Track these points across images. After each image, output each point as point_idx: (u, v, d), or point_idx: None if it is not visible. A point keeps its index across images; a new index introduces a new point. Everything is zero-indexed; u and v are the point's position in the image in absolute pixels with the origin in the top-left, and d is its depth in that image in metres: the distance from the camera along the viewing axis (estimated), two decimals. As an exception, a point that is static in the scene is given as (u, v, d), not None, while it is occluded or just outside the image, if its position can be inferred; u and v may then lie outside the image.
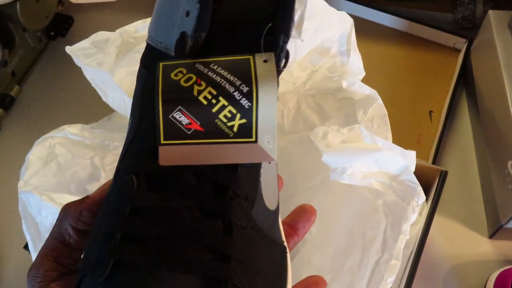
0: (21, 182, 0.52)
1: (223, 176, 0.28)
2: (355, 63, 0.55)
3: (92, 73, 0.53)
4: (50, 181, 0.53)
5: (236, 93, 0.27)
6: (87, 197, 0.33)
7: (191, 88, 0.27)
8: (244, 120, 0.27)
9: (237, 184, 0.28)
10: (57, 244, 0.33)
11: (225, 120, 0.27)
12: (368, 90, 0.57)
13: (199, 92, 0.27)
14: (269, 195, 0.31)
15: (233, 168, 0.29)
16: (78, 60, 0.52)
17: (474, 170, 0.71)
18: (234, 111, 0.27)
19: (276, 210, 0.33)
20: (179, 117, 0.27)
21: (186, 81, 0.28)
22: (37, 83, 0.81)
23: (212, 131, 0.27)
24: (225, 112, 0.27)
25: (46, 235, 0.51)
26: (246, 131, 0.27)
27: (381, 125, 0.56)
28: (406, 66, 0.81)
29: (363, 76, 0.56)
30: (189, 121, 0.27)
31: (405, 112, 0.77)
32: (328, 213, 0.56)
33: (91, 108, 0.67)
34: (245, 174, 0.29)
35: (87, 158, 0.56)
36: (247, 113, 0.27)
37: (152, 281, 0.26)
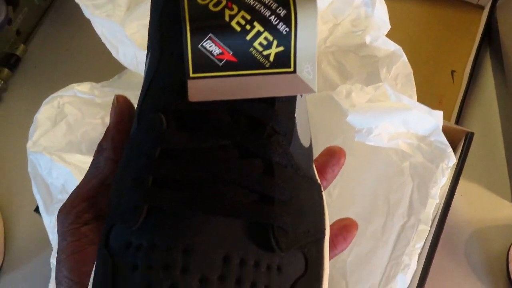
0: (30, 143, 0.50)
1: (260, 111, 0.26)
2: (380, 15, 0.51)
3: (102, 26, 0.50)
4: (60, 141, 0.51)
5: (272, 17, 0.24)
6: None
7: (221, 13, 0.25)
8: (281, 48, 0.25)
9: (275, 120, 0.26)
10: (93, 183, 0.30)
11: (260, 49, 0.25)
12: (392, 46, 0.54)
13: (231, 17, 0.24)
14: (303, 131, 0.29)
15: (269, 102, 0.26)
16: (87, 11, 0.49)
17: (498, 133, 0.69)
18: (270, 38, 0.25)
19: (310, 147, 0.30)
20: (210, 47, 0.25)
21: (216, 5, 0.25)
22: (43, 41, 0.78)
23: (246, 61, 0.25)
24: (260, 39, 0.25)
25: (57, 196, 0.49)
26: (284, 60, 0.25)
27: (406, 84, 0.53)
28: (428, 23, 0.78)
29: (388, 29, 0.53)
30: (220, 51, 0.25)
31: (426, 72, 0.73)
32: (350, 176, 0.53)
33: (100, 67, 0.65)
34: (282, 108, 0.27)
35: (98, 118, 0.54)
36: (284, 39, 0.25)
37: (191, 227, 0.24)
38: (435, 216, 0.53)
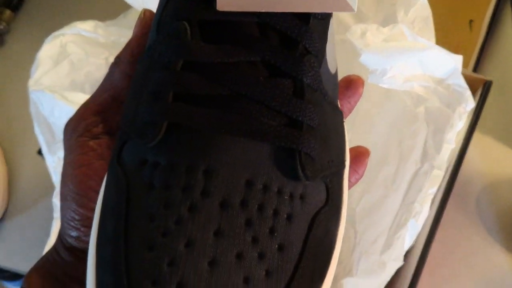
0: (31, 81, 0.49)
1: (293, 27, 0.24)
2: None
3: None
4: (62, 80, 0.49)
5: None
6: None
7: None
8: None
9: (308, 38, 0.24)
10: (104, 97, 0.29)
11: None
12: (410, -12, 0.51)
13: None
14: (330, 56, 0.27)
15: (304, 18, 0.24)
16: None
17: (516, 84, 0.66)
18: None
19: (336, 74, 0.29)
20: None
21: None
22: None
23: None
24: None
25: (60, 136, 0.47)
26: None
27: (424, 28, 0.51)
28: (446, -30, 0.74)
29: (406, -30, 0.50)
30: None
31: (442, 21, 0.70)
32: (361, 122, 0.52)
33: (105, 6, 0.62)
34: (316, 26, 0.25)
35: (102, 58, 0.52)
36: None
37: (213, 147, 0.23)
38: (447, 168, 0.52)
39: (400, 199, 0.47)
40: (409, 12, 0.50)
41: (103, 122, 0.28)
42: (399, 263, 0.43)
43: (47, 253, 0.31)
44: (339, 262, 0.51)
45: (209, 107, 0.23)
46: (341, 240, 0.26)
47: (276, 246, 0.22)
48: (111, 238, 0.22)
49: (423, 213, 0.42)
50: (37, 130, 0.49)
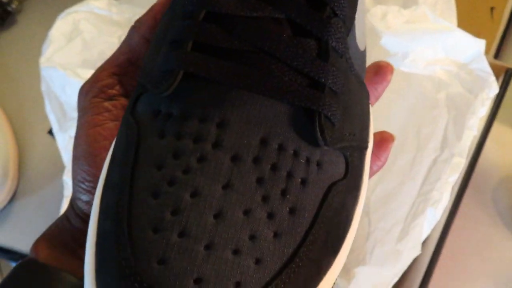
0: (42, 59, 0.48)
1: None
2: None
3: None
4: (74, 58, 0.48)
5: None
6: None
7: None
8: None
9: (337, 1, 0.23)
10: (121, 60, 0.28)
11: None
12: (433, -30, 0.49)
13: None
14: (360, 32, 0.26)
15: None
16: None
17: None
18: None
19: (364, 53, 0.28)
20: None
21: None
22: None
23: None
24: None
25: (71, 114, 0.47)
26: None
27: (446, 11, 0.49)
28: (468, -44, 0.72)
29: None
30: None
31: (463, 8, 0.68)
32: (378, 107, 0.50)
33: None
34: None
35: (115, 36, 0.51)
36: None
37: (229, 101, 0.22)
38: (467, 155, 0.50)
39: (418, 188, 0.45)
40: (432, -5, 0.49)
41: (119, 85, 0.28)
42: (417, 251, 0.41)
43: (56, 221, 0.30)
44: (352, 251, 0.50)
45: (228, 60, 0.22)
46: (358, 222, 0.25)
47: (288, 209, 0.21)
48: (116, 185, 0.22)
49: (443, 201, 0.41)
50: (48, 108, 0.48)
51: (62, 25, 0.50)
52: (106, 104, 0.28)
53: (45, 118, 0.51)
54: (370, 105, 0.29)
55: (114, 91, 0.28)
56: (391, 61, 0.42)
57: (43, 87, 0.48)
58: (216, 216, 0.20)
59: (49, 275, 0.28)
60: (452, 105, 0.45)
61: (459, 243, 0.51)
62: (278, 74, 0.22)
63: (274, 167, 0.22)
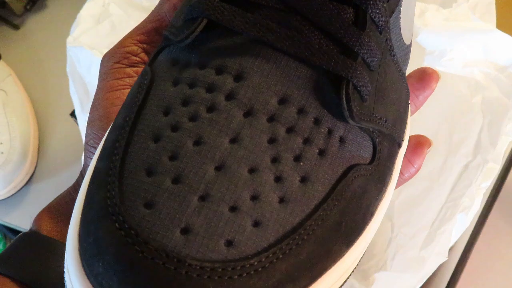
0: (70, 38, 0.47)
1: None
2: None
3: None
4: (101, 41, 0.48)
5: None
6: None
7: None
8: None
9: None
10: (148, 28, 0.28)
11: None
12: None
13: None
14: (406, 24, 0.25)
15: None
16: None
17: None
18: None
19: (409, 47, 0.26)
20: None
21: None
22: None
23: None
24: None
25: (95, 95, 0.46)
26: None
27: (485, 14, 0.47)
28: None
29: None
30: None
31: (502, 12, 0.67)
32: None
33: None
34: None
35: (144, 22, 0.50)
36: None
37: (250, 55, 0.20)
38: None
39: (446, 193, 0.44)
40: (471, -3, 0.47)
41: (143, 52, 0.27)
42: (443, 258, 0.40)
43: (62, 193, 0.29)
44: (372, 255, 0.48)
45: (255, 14, 0.21)
46: (380, 221, 0.24)
47: (299, 177, 0.20)
48: (118, 126, 0.21)
49: (474, 207, 0.39)
50: (72, 89, 0.47)
51: (91, 7, 0.49)
52: (128, 70, 0.27)
53: (68, 100, 0.50)
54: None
55: (137, 59, 0.27)
56: (427, 59, 0.41)
57: (68, 68, 0.48)
58: (217, 169, 0.19)
59: (50, 248, 0.27)
60: (487, 110, 0.43)
61: (488, 251, 0.49)
62: (308, 35, 0.20)
63: (291, 130, 0.20)
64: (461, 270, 0.42)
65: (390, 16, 0.22)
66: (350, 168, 0.21)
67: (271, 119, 0.20)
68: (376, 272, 0.45)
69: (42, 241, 0.27)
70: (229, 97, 0.20)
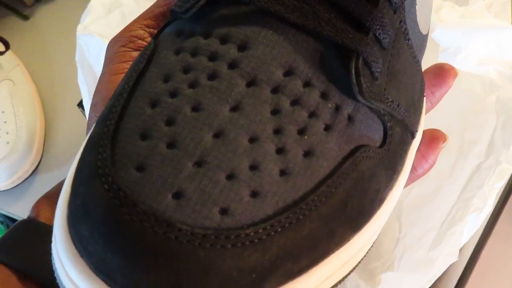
0: (80, 26, 0.47)
1: None
2: None
3: None
4: (112, 30, 0.47)
5: None
6: None
7: None
8: None
9: None
10: (156, 12, 0.27)
11: None
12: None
13: None
14: (423, 13, 0.24)
15: None
16: None
17: None
18: None
19: (425, 37, 0.26)
20: None
21: None
22: None
23: None
24: None
25: (103, 85, 0.45)
26: None
27: (501, 13, 0.47)
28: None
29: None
30: None
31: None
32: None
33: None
34: None
35: (155, 12, 0.50)
36: None
37: (256, 26, 0.20)
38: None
39: (457, 194, 0.43)
40: (487, -4, 0.47)
41: (150, 37, 0.26)
42: (453, 258, 0.39)
43: (60, 182, 0.29)
44: (379, 256, 0.48)
45: None
46: (390, 212, 0.23)
47: (303, 151, 0.19)
48: (116, 94, 0.20)
49: (486, 208, 0.39)
50: (80, 78, 0.47)
51: (102, -4, 0.49)
52: (134, 53, 0.26)
53: (75, 92, 0.50)
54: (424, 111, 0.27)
55: (144, 43, 0.27)
56: (442, 56, 0.40)
57: (77, 56, 0.47)
58: (216, 136, 0.18)
59: (47, 234, 0.26)
60: (501, 110, 0.42)
61: (498, 252, 0.48)
62: (317, 8, 0.20)
63: (295, 103, 0.19)
64: (470, 272, 0.42)
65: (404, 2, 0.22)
66: (358, 148, 0.20)
67: (275, 90, 0.19)
68: (383, 273, 0.44)
69: (40, 228, 0.27)
70: (232, 66, 0.19)
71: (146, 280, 0.16)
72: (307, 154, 0.19)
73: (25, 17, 0.69)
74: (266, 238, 0.17)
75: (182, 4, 0.21)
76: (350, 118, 0.20)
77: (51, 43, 0.66)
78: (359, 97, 0.20)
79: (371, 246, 0.22)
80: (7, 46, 0.59)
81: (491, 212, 0.45)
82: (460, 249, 0.41)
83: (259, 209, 0.17)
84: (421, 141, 0.27)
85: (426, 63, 0.45)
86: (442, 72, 0.28)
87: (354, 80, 0.20)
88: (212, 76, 0.19)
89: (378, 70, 0.20)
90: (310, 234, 0.18)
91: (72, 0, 0.69)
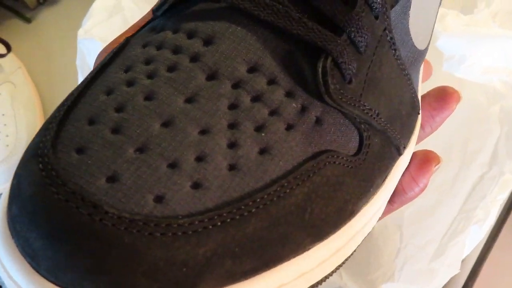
0: (81, 31, 0.46)
1: None
2: None
3: None
4: (113, 34, 0.46)
5: None
6: None
7: None
8: None
9: None
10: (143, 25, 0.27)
11: None
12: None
13: None
14: (419, 27, 0.23)
15: None
16: None
17: None
18: None
19: (421, 53, 0.25)
20: None
21: None
22: None
23: None
24: None
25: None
26: None
27: (506, 23, 0.46)
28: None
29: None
30: None
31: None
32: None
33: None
34: None
35: (157, 17, 0.50)
36: None
37: (224, 22, 0.20)
38: None
39: (459, 205, 0.42)
40: (492, 4, 0.46)
41: None
42: (455, 270, 0.38)
43: None
44: (379, 266, 0.47)
45: None
46: (365, 226, 0.22)
47: (258, 148, 0.18)
48: (79, 85, 0.20)
49: (488, 219, 0.38)
50: (80, 81, 0.46)
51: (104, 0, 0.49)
52: None
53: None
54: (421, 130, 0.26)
55: None
56: (446, 64, 0.40)
57: (78, 61, 0.47)
58: (164, 125, 0.18)
59: None
60: (505, 119, 0.42)
61: (500, 263, 0.47)
62: (289, 6, 0.19)
63: (256, 100, 0.19)
64: (472, 284, 0.41)
65: (392, 6, 0.21)
66: (326, 152, 0.20)
67: (236, 85, 0.19)
68: (384, 283, 0.44)
69: None
70: (194, 59, 0.19)
71: (68, 262, 0.15)
72: (263, 151, 0.18)
73: (28, 20, 0.68)
74: (202, 231, 0.16)
75: (159, 4, 0.22)
76: (318, 121, 0.20)
77: (53, 46, 0.66)
78: (326, 98, 0.19)
79: (342, 263, 0.21)
80: (8, 48, 0.59)
81: (493, 224, 0.44)
82: (462, 261, 0.41)
83: (199, 200, 0.17)
84: (412, 163, 0.26)
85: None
86: (445, 96, 0.27)
87: (321, 80, 0.19)
88: (171, 68, 0.19)
89: (350, 72, 0.20)
90: (256, 234, 0.17)
91: (75, 3, 0.69)
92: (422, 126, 0.28)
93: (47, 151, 0.17)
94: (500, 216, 0.42)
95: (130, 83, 0.19)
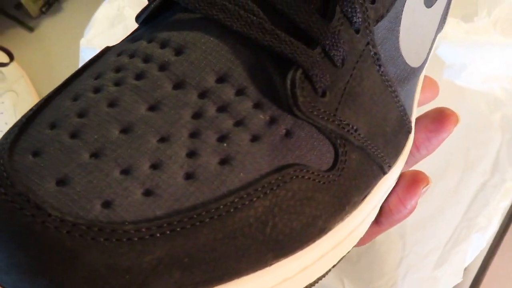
0: (83, 40, 0.47)
1: None
2: None
3: None
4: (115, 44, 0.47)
5: None
6: None
7: None
8: None
9: None
10: None
11: None
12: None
13: None
14: (413, 45, 0.23)
15: None
16: None
17: None
18: None
19: (412, 71, 0.24)
20: None
21: None
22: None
23: None
24: None
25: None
26: None
27: (506, 30, 0.46)
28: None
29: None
30: None
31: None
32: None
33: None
34: None
35: (158, 26, 0.50)
36: None
37: (197, 33, 0.20)
38: None
39: (461, 213, 0.42)
40: (493, 13, 0.46)
41: None
42: (458, 279, 0.38)
43: None
44: (382, 275, 0.47)
45: None
46: (340, 245, 0.21)
47: (218, 158, 0.18)
48: (47, 94, 0.20)
49: (491, 227, 0.38)
50: (82, 91, 0.47)
51: (107, 9, 0.49)
52: None
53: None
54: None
55: None
56: (446, 72, 0.40)
57: (80, 70, 0.47)
58: (123, 132, 0.17)
59: None
60: (507, 127, 0.42)
61: (503, 272, 0.47)
62: (263, 17, 0.19)
63: (222, 110, 0.19)
64: (475, 293, 0.41)
65: (377, 21, 0.21)
66: (292, 165, 0.19)
67: (202, 95, 0.19)
68: (386, 292, 0.44)
69: None
70: (163, 68, 0.19)
71: (9, 263, 0.15)
72: (223, 162, 0.18)
73: (30, 29, 0.69)
74: (148, 238, 0.16)
75: (139, 12, 0.22)
76: (288, 134, 0.19)
77: (55, 55, 0.66)
78: (295, 111, 0.19)
79: (314, 282, 0.20)
80: (11, 57, 0.59)
81: (496, 232, 0.44)
82: (465, 269, 0.41)
83: (149, 207, 0.16)
84: (400, 184, 0.26)
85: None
86: (442, 118, 0.27)
87: (289, 92, 0.19)
88: (139, 76, 0.19)
89: (322, 85, 0.20)
90: (208, 245, 0.17)
91: (77, 13, 0.69)
92: (417, 148, 0.27)
93: (3, 153, 0.17)
94: (502, 223, 0.42)
95: (97, 90, 0.19)
